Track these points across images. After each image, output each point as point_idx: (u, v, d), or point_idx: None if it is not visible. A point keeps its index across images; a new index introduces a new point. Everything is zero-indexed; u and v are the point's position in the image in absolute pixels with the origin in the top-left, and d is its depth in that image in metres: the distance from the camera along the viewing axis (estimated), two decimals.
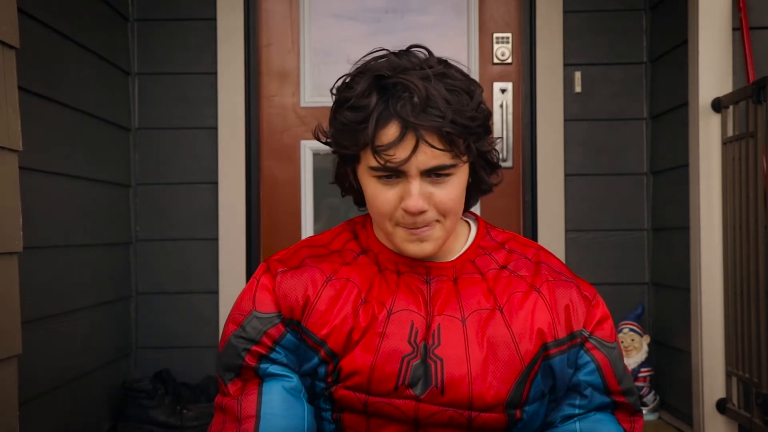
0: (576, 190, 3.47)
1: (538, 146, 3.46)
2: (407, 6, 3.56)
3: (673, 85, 3.12)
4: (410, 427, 1.38)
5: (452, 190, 1.36)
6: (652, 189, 3.42)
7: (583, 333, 1.42)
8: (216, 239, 3.45)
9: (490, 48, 3.53)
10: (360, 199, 1.47)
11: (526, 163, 3.50)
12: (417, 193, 1.33)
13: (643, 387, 3.22)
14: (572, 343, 1.41)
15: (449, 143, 1.32)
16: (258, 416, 1.37)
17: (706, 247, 2.76)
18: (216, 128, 3.46)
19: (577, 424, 1.42)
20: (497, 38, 3.52)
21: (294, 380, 1.40)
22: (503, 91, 3.52)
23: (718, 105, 2.73)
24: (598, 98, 3.46)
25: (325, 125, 1.44)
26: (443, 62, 1.38)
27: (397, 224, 1.37)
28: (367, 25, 3.55)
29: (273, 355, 1.40)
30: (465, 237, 1.48)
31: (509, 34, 3.52)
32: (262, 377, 1.40)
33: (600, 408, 1.43)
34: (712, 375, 2.74)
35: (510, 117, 3.52)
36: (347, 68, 1.40)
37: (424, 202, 1.34)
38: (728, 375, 2.71)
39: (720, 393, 2.73)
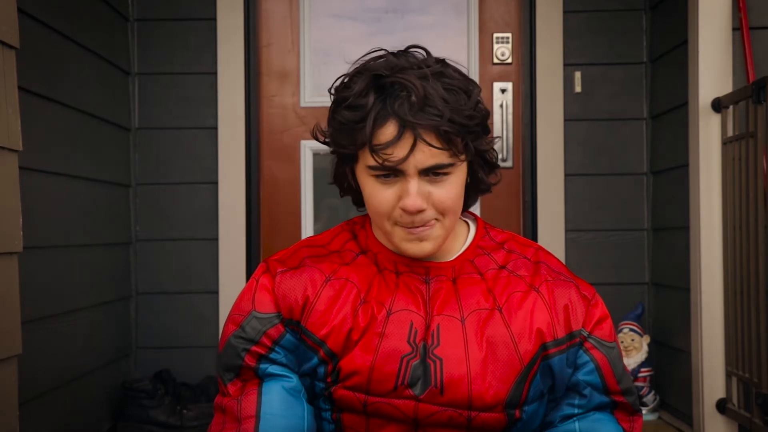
0: (576, 190, 3.47)
1: (538, 146, 3.46)
2: (407, 6, 3.56)
3: (673, 85, 3.12)
4: (410, 427, 1.38)
5: (451, 189, 1.36)
6: (652, 189, 3.42)
7: (582, 333, 1.42)
8: (216, 239, 3.45)
9: (490, 48, 3.53)
10: (359, 199, 1.47)
11: (526, 163, 3.50)
12: (415, 192, 1.34)
13: (643, 387, 3.22)
14: (571, 343, 1.41)
15: (447, 142, 1.32)
16: (258, 416, 1.38)
17: (706, 247, 2.76)
18: (216, 128, 3.46)
19: (577, 424, 1.42)
20: (497, 38, 3.52)
21: (293, 380, 1.41)
22: (503, 91, 3.52)
23: (718, 105, 2.73)
24: (598, 98, 3.46)
25: (325, 125, 1.44)
26: (441, 62, 1.38)
27: (396, 223, 1.38)
28: (367, 25, 3.55)
29: (272, 356, 1.40)
30: (464, 237, 1.48)
31: (509, 34, 3.52)
32: (262, 377, 1.40)
33: (599, 407, 1.44)
34: (712, 375, 2.74)
35: (510, 117, 3.51)
36: (347, 68, 1.41)
37: (422, 201, 1.34)
38: (728, 375, 2.71)
39: (720, 393, 2.73)
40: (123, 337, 3.32)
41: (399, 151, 1.32)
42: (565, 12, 3.46)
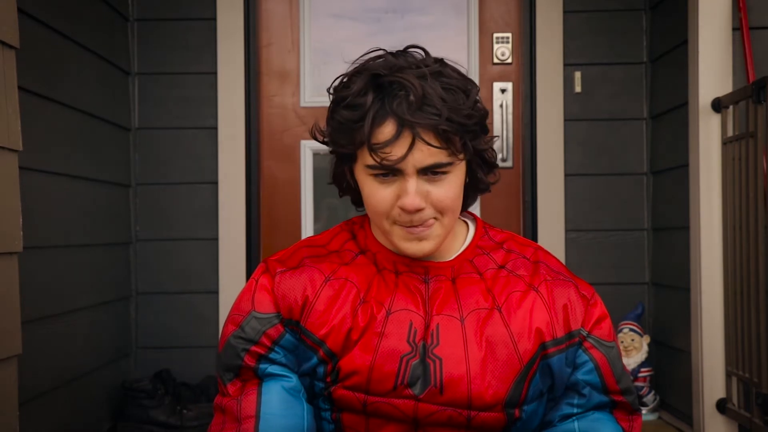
0: (576, 190, 3.47)
1: (538, 146, 3.46)
2: (407, 6, 3.56)
3: (673, 85, 3.12)
4: (409, 426, 1.38)
5: (449, 188, 1.36)
6: (652, 189, 3.42)
7: (582, 332, 1.42)
8: (216, 239, 3.45)
9: (490, 48, 3.53)
10: (358, 199, 1.47)
11: (526, 163, 3.50)
12: (414, 191, 1.34)
13: (643, 387, 3.22)
14: (570, 343, 1.41)
15: (445, 141, 1.33)
16: (257, 416, 1.38)
17: (706, 247, 2.76)
18: (216, 128, 3.46)
19: (576, 423, 1.42)
20: (497, 38, 3.52)
21: (293, 380, 1.41)
22: (503, 91, 3.52)
23: (718, 105, 2.73)
24: (598, 98, 3.46)
25: (324, 125, 1.44)
26: (439, 61, 1.38)
27: (395, 222, 1.38)
28: (367, 25, 3.55)
29: (272, 356, 1.40)
30: (463, 237, 1.48)
31: (509, 34, 3.52)
32: (262, 377, 1.40)
33: (598, 407, 1.44)
34: (712, 375, 2.74)
35: (510, 117, 3.52)
36: (347, 68, 1.41)
37: (421, 200, 1.34)
38: (728, 375, 2.71)
39: (720, 393, 2.73)
40: (123, 337, 3.33)
41: (397, 150, 1.32)
42: (565, 12, 3.46)
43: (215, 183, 3.46)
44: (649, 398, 3.22)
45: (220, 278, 3.44)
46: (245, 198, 3.46)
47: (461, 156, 1.36)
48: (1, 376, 1.87)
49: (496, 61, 3.52)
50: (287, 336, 1.40)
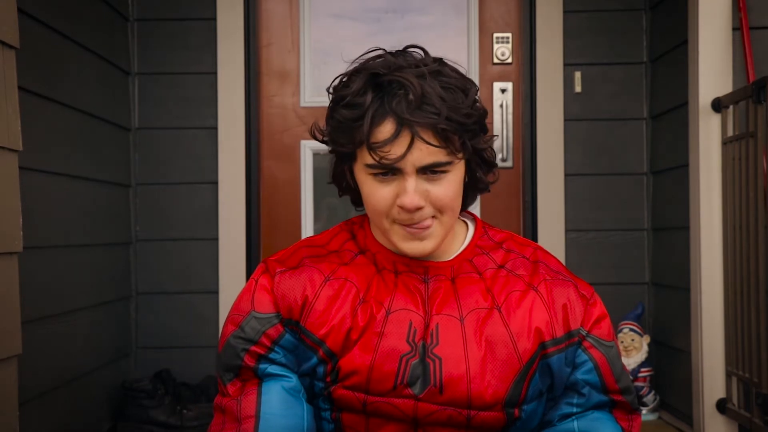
0: (576, 190, 3.47)
1: (538, 146, 3.46)
2: (407, 6, 3.56)
3: (673, 85, 3.12)
4: (409, 426, 1.38)
5: (448, 186, 1.36)
6: (652, 189, 3.42)
7: (581, 332, 1.42)
8: (216, 239, 3.45)
9: (490, 48, 3.53)
10: (357, 199, 1.47)
11: (526, 163, 3.50)
12: (413, 189, 1.34)
13: (643, 387, 3.22)
14: (570, 342, 1.41)
15: (444, 140, 1.33)
16: (257, 416, 1.38)
17: (706, 247, 2.76)
18: (216, 128, 3.46)
19: (575, 423, 1.43)
20: (497, 38, 3.52)
21: (293, 380, 1.41)
22: (503, 91, 3.52)
23: (718, 105, 2.73)
24: (598, 98, 3.46)
25: (324, 124, 1.44)
26: (438, 61, 1.38)
27: (394, 222, 1.38)
28: (367, 25, 3.55)
29: (272, 356, 1.40)
30: (463, 237, 1.48)
31: (509, 34, 3.52)
32: (261, 377, 1.40)
33: (598, 406, 1.44)
34: (712, 375, 2.74)
35: (510, 117, 3.52)
36: (347, 68, 1.41)
37: (420, 199, 1.34)
38: (728, 375, 2.71)
39: (720, 393, 2.73)
40: (123, 337, 3.33)
41: (396, 149, 1.32)
42: (565, 12, 3.46)
43: (215, 183, 3.46)
44: (649, 398, 3.22)
45: (220, 278, 3.44)
46: (245, 198, 3.46)
47: (460, 155, 1.36)
48: (1, 376, 1.87)
49: (496, 61, 3.52)
50: (287, 336, 1.40)
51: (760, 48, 2.76)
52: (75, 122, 2.83)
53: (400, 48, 1.41)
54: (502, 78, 3.54)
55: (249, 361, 1.40)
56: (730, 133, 2.70)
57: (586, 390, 1.42)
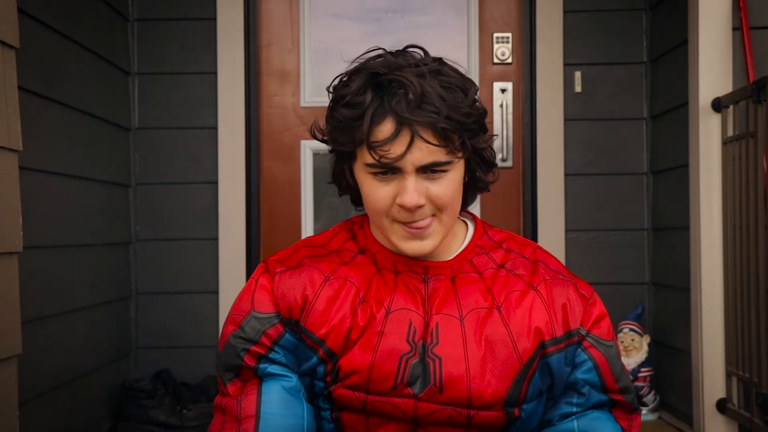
0: (576, 190, 3.47)
1: (538, 146, 3.46)
2: (407, 6, 3.56)
3: (673, 85, 3.12)
4: (409, 425, 1.38)
5: (448, 185, 1.36)
6: (652, 189, 3.42)
7: (581, 331, 1.42)
8: (216, 239, 3.45)
9: (490, 48, 3.53)
10: (357, 198, 1.47)
11: (526, 163, 3.50)
12: (413, 188, 1.34)
13: (643, 387, 3.22)
14: (569, 342, 1.41)
15: (444, 139, 1.33)
16: (257, 416, 1.38)
17: (706, 247, 2.76)
18: (216, 128, 3.46)
19: (575, 422, 1.43)
20: (497, 38, 3.52)
21: (293, 380, 1.41)
22: (503, 91, 3.52)
23: (718, 105, 2.73)
24: (598, 98, 3.46)
25: (324, 124, 1.45)
26: (438, 60, 1.39)
27: (394, 221, 1.38)
28: (367, 25, 3.55)
29: (272, 355, 1.40)
30: (462, 236, 1.49)
31: (509, 34, 3.52)
32: (261, 377, 1.40)
33: (597, 406, 1.44)
34: (712, 375, 2.74)
35: (510, 117, 3.51)
36: (347, 67, 1.41)
37: (420, 197, 1.34)
38: (728, 375, 2.71)
39: (720, 393, 2.73)
40: (123, 337, 3.33)
41: (396, 148, 1.32)
42: (565, 12, 3.46)
43: (215, 183, 3.46)
44: (649, 398, 3.22)
45: (220, 278, 3.44)
46: (245, 198, 3.46)
47: (460, 154, 1.36)
48: (1, 376, 1.87)
49: (496, 61, 3.52)
50: (287, 336, 1.40)
51: (760, 48, 2.76)
52: (75, 122, 2.83)
53: (400, 48, 1.41)
54: (502, 78, 3.54)
55: (249, 360, 1.40)
56: (730, 133, 2.70)
57: (585, 389, 1.42)
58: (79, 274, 2.84)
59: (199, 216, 3.46)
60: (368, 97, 1.33)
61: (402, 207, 1.35)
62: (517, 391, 1.38)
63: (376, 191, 1.37)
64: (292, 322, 1.40)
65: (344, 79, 1.39)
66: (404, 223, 1.37)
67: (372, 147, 1.33)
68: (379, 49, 1.41)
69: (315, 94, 3.53)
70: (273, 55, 3.55)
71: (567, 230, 3.46)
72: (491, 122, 3.48)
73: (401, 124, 1.31)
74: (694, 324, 2.83)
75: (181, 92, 3.46)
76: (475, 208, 3.40)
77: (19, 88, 2.01)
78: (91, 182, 2.98)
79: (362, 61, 1.39)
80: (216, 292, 3.44)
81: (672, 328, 3.18)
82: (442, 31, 3.55)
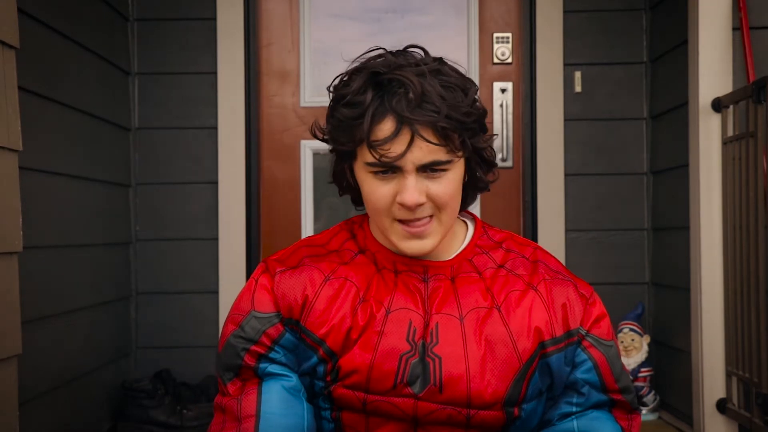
0: (576, 190, 3.47)
1: (538, 146, 3.46)
2: (407, 6, 3.56)
3: (673, 84, 3.12)
4: (409, 425, 1.38)
5: (448, 184, 1.36)
6: (652, 189, 3.42)
7: (580, 331, 1.42)
8: (216, 239, 3.45)
9: (490, 48, 3.53)
10: (357, 198, 1.47)
11: (526, 163, 3.50)
12: (413, 186, 1.34)
13: (643, 387, 3.22)
14: (569, 341, 1.41)
15: (444, 138, 1.33)
16: (258, 415, 1.38)
17: (706, 247, 2.76)
18: (216, 128, 3.46)
19: (575, 422, 1.43)
20: (497, 38, 3.52)
21: (293, 379, 1.41)
22: (503, 91, 3.52)
23: (718, 105, 2.73)
24: (598, 98, 3.46)
25: (324, 123, 1.45)
26: (438, 60, 1.39)
27: (394, 220, 1.38)
28: (367, 25, 3.55)
29: (272, 355, 1.40)
30: (462, 236, 1.49)
31: (509, 34, 3.52)
32: (262, 377, 1.40)
33: (597, 406, 1.44)
34: (712, 375, 2.74)
35: (510, 117, 3.52)
36: (347, 67, 1.41)
37: (420, 195, 1.35)
38: (728, 375, 2.71)
39: (720, 393, 2.73)
40: (123, 337, 3.33)
41: (396, 147, 1.32)
42: (565, 12, 3.46)
43: (215, 183, 3.46)
44: (649, 398, 3.22)
45: (220, 278, 3.44)
46: (245, 198, 3.46)
47: (460, 153, 1.37)
48: (1, 376, 1.87)
49: (496, 61, 3.52)
50: (287, 335, 1.40)
51: (760, 48, 2.77)
52: (75, 122, 2.83)
53: (401, 48, 1.41)
54: (502, 78, 3.54)
55: (249, 360, 1.40)
56: (730, 133, 2.70)
57: (585, 389, 1.42)
58: (79, 274, 2.84)
59: (199, 216, 3.46)
60: (369, 96, 1.34)
61: (402, 205, 1.35)
62: (516, 391, 1.38)
63: (377, 190, 1.37)
64: (292, 321, 1.40)
65: (344, 79, 1.39)
66: (404, 223, 1.37)
67: (372, 146, 1.33)
68: (380, 49, 1.41)
69: (315, 94, 3.53)
70: (273, 55, 3.56)
71: (567, 230, 3.46)
72: (491, 122, 3.48)
73: (401, 123, 1.32)
74: (694, 324, 2.83)
75: (181, 92, 3.46)
76: (475, 208, 3.40)
77: (19, 88, 2.01)
78: (91, 182, 2.98)
79: (363, 60, 1.40)
80: (216, 292, 3.44)
81: (672, 328, 3.18)
82: (442, 31, 3.55)
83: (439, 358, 1.36)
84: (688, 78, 2.89)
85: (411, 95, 1.31)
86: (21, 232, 1.96)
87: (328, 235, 1.50)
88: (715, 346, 2.74)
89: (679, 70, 3.01)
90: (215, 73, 3.46)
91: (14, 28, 1.95)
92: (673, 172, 3.16)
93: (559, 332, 1.40)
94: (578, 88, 3.45)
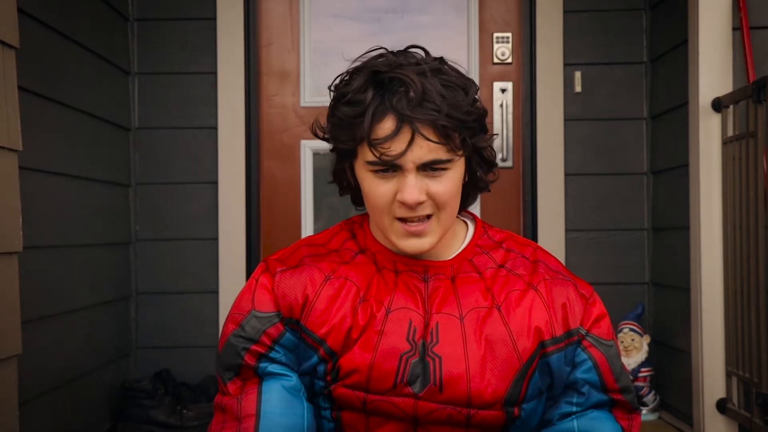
0: (576, 190, 3.47)
1: (538, 146, 3.46)
2: (407, 6, 3.56)
3: (673, 84, 3.12)
4: (409, 424, 1.38)
5: (448, 183, 1.36)
6: (652, 189, 3.42)
7: (580, 331, 1.42)
8: (216, 239, 3.45)
9: (490, 48, 3.53)
10: (358, 198, 1.47)
11: (526, 163, 3.50)
12: (413, 184, 1.34)
13: (643, 387, 3.22)
14: (569, 341, 1.41)
15: (444, 137, 1.33)
16: (258, 415, 1.38)
17: (706, 247, 2.76)
18: (216, 128, 3.46)
19: (575, 422, 1.43)
20: (497, 38, 3.52)
21: (293, 379, 1.41)
22: (503, 90, 3.52)
23: (718, 105, 2.73)
24: (598, 98, 3.46)
25: (325, 122, 1.45)
26: (439, 60, 1.39)
27: (394, 219, 1.38)
28: (367, 25, 3.55)
29: (272, 354, 1.40)
30: (463, 236, 1.49)
31: (509, 34, 3.52)
32: (262, 376, 1.40)
33: (597, 405, 1.44)
34: (712, 375, 2.74)
35: (510, 117, 3.52)
36: (347, 67, 1.42)
37: (420, 194, 1.35)
38: (728, 375, 2.71)
39: (720, 393, 2.73)
40: (123, 337, 3.33)
41: (397, 146, 1.32)
42: (565, 12, 3.46)
43: (215, 183, 3.46)
44: (649, 398, 3.22)
45: (220, 278, 3.44)
46: (245, 198, 3.46)
47: (460, 152, 1.37)
48: (1, 376, 1.87)
49: (496, 60, 3.52)
50: (287, 335, 1.40)
51: (760, 48, 2.77)
52: (75, 122, 2.83)
53: (401, 48, 1.41)
54: (502, 78, 3.54)
55: (249, 360, 1.40)
56: (730, 133, 2.70)
57: (585, 389, 1.42)
58: (79, 274, 2.84)
59: (199, 216, 3.46)
60: (369, 95, 1.34)
61: (402, 203, 1.35)
62: (516, 391, 1.38)
63: (377, 188, 1.37)
64: (292, 321, 1.40)
65: (345, 78, 1.40)
66: (404, 222, 1.37)
67: (373, 144, 1.33)
68: (380, 48, 1.42)
69: (315, 94, 3.53)
70: (273, 55, 3.56)
71: (567, 230, 3.46)
72: (491, 122, 3.48)
73: (402, 121, 1.32)
74: (694, 324, 2.83)
75: (181, 92, 3.46)
76: (475, 208, 3.40)
77: (19, 88, 2.01)
78: (91, 182, 2.98)
79: (363, 60, 1.40)
80: (216, 292, 3.44)
81: (672, 328, 3.18)
82: (442, 31, 3.55)
83: (439, 358, 1.36)
84: (688, 78, 2.89)
85: (412, 94, 1.32)
86: (21, 232, 1.96)
87: (328, 234, 1.50)
88: (715, 346, 2.74)
89: (679, 70, 3.01)
90: (215, 73, 3.46)
91: (14, 28, 1.95)
92: (673, 172, 3.16)
93: (559, 332, 1.41)
94: (578, 88, 3.46)
